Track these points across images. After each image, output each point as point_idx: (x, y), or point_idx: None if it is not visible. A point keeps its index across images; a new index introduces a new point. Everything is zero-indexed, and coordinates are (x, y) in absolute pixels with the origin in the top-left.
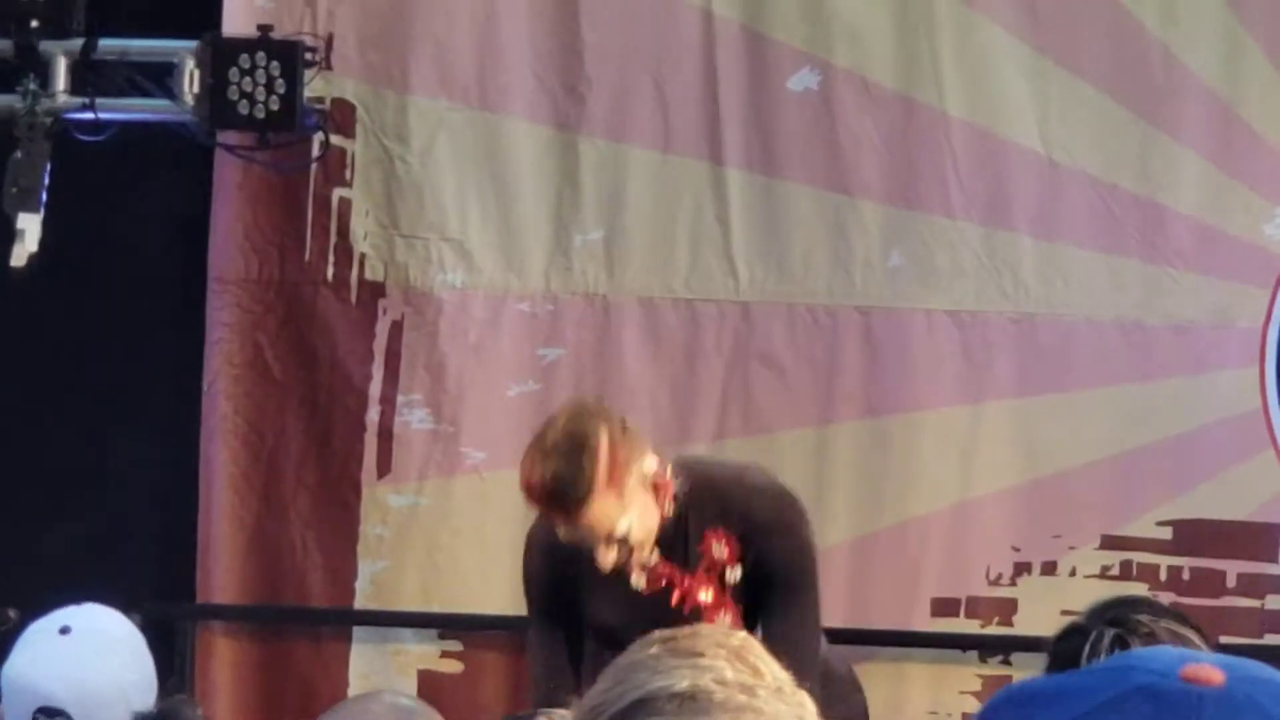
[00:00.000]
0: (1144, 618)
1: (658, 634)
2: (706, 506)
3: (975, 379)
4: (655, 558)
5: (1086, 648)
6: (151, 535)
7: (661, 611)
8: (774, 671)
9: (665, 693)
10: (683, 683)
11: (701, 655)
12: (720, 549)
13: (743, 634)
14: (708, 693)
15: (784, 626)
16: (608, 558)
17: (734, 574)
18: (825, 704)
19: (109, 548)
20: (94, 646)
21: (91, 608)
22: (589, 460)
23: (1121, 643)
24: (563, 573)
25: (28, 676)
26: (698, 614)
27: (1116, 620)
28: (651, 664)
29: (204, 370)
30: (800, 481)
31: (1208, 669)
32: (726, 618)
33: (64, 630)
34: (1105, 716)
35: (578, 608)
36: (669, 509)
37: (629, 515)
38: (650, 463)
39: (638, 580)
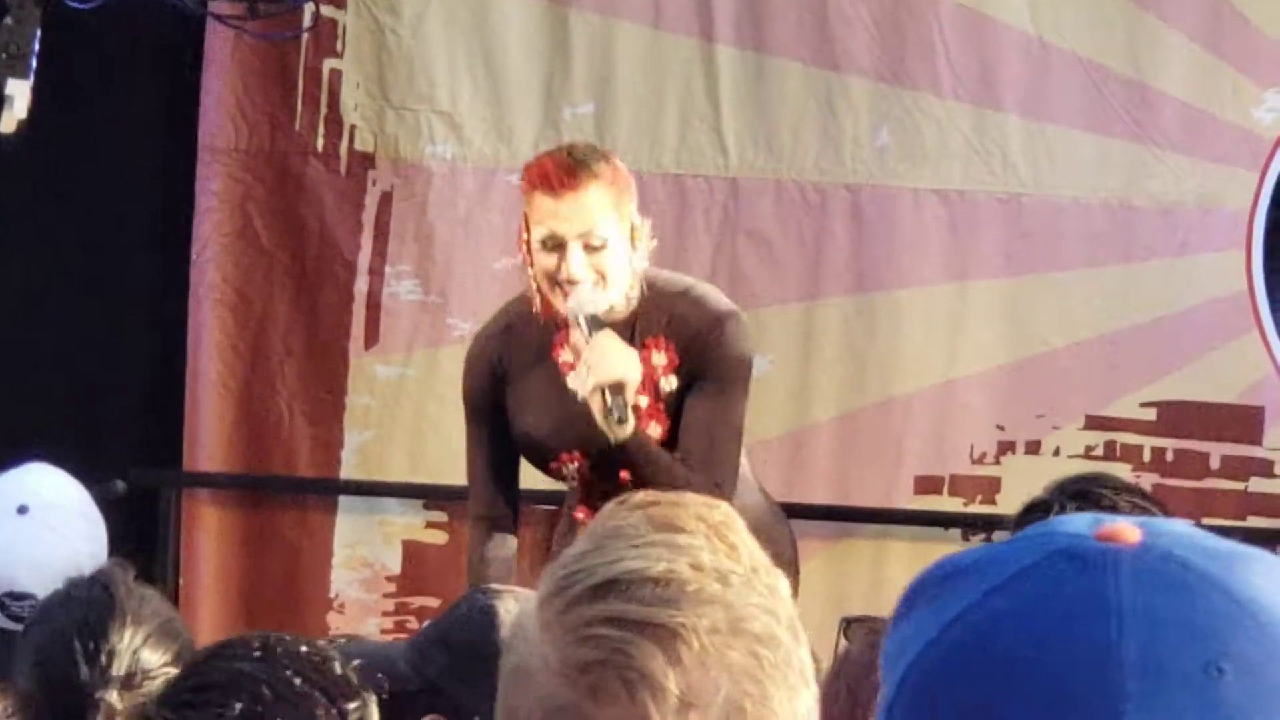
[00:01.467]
0: (1106, 491)
1: (640, 496)
2: (653, 316)
3: (961, 258)
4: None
5: (1053, 513)
6: (138, 402)
7: (592, 420)
8: (751, 552)
9: (639, 575)
10: (659, 565)
11: (681, 530)
12: (659, 356)
13: (724, 507)
14: (681, 581)
15: (705, 415)
16: (571, 265)
17: (669, 383)
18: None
19: (96, 413)
20: (52, 524)
21: (38, 472)
22: (602, 154)
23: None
24: (500, 385)
25: None
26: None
27: (1078, 494)
28: (630, 533)
29: (192, 239)
30: (786, 357)
31: (1123, 527)
32: (658, 430)
33: (21, 510)
34: (1022, 582)
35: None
36: (624, 306)
37: (615, 231)
38: (643, 228)
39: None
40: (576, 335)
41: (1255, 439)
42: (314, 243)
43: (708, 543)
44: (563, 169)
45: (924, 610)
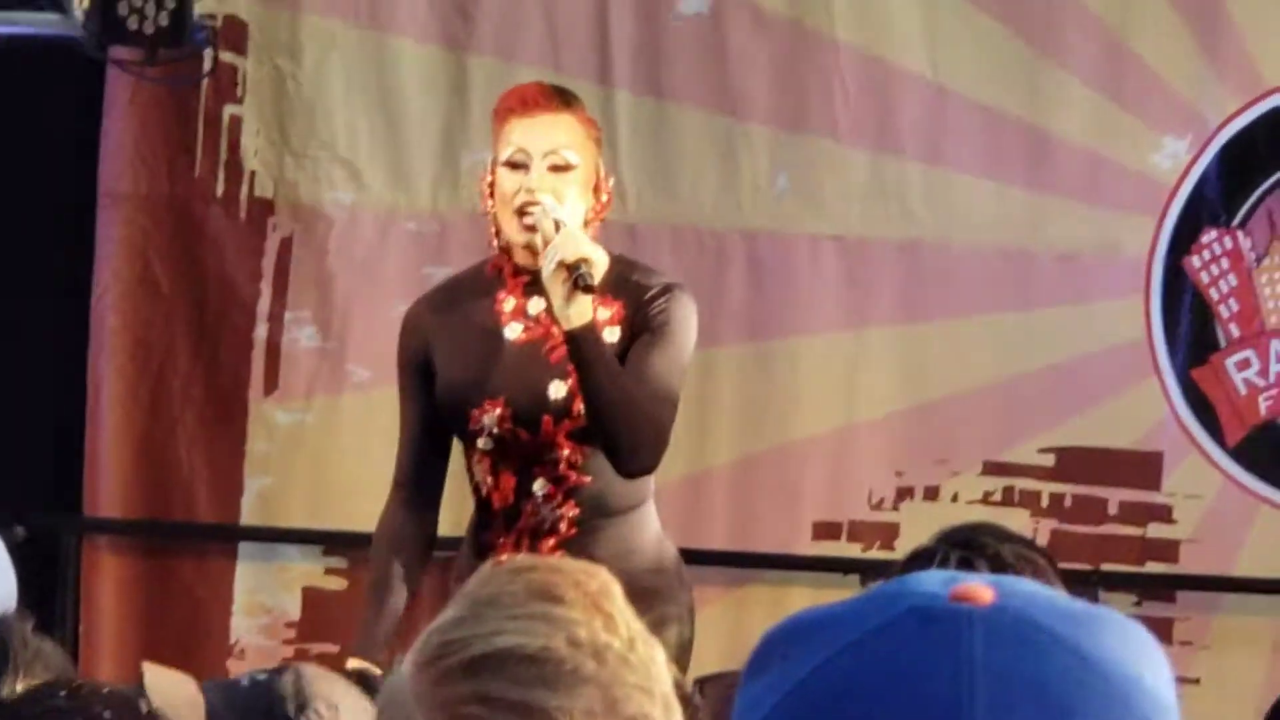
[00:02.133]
0: (990, 540)
1: (520, 560)
2: (604, 280)
3: (860, 304)
4: (542, 307)
5: (934, 569)
6: (39, 448)
7: (526, 365)
8: (628, 621)
9: (515, 653)
10: (535, 641)
11: (559, 600)
12: (604, 311)
13: (603, 575)
14: (558, 660)
15: (646, 354)
16: (532, 180)
17: (611, 334)
18: (654, 595)
19: None
20: None
21: None
22: (577, 97)
23: (967, 564)
24: (428, 346)
25: None
26: (563, 368)
27: (963, 543)
28: (507, 602)
29: (93, 284)
30: (684, 403)
31: (977, 587)
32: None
33: None
34: (874, 641)
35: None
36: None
37: (580, 164)
38: (605, 176)
39: (513, 331)
40: (539, 228)
41: (1153, 485)
42: (214, 288)
43: (585, 615)
44: (539, 92)
45: (776, 667)
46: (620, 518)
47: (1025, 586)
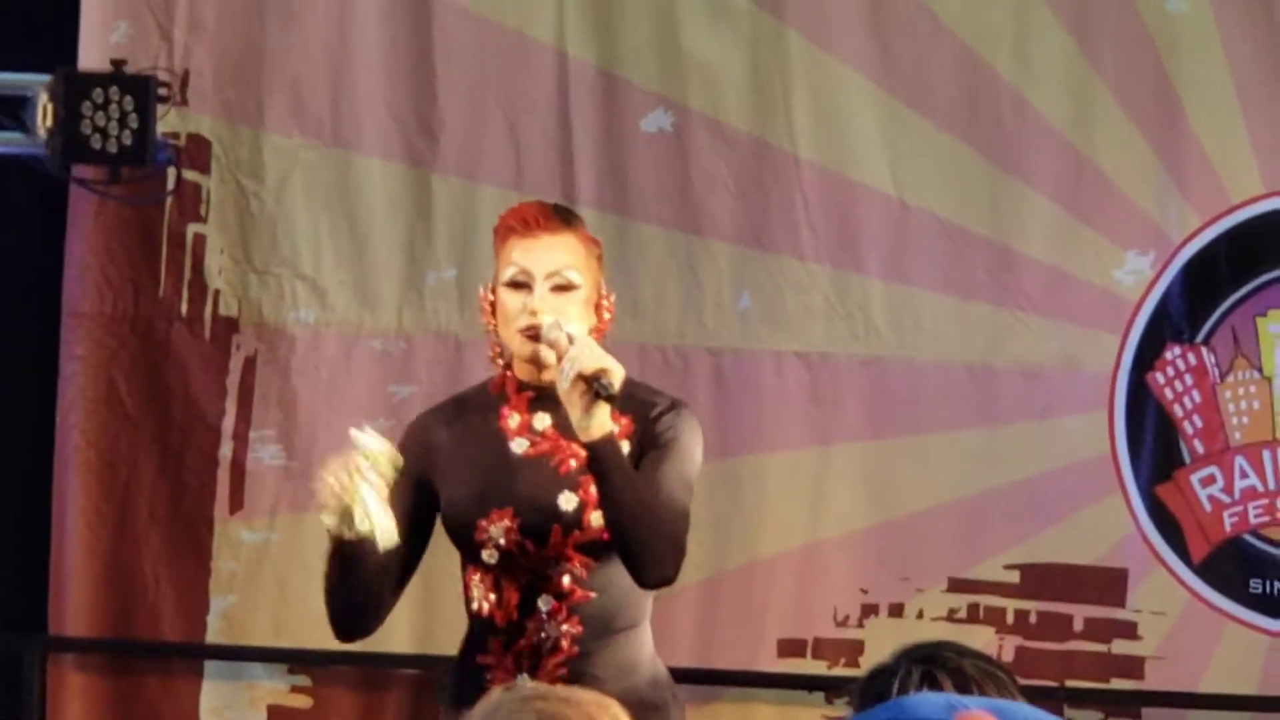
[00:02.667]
0: (951, 654)
1: (530, 688)
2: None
3: (824, 421)
4: (547, 423)
5: (895, 684)
6: (3, 565)
7: (535, 478)
8: None
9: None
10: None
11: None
12: (614, 425)
13: (614, 708)
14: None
15: (657, 465)
16: (536, 301)
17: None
18: (655, 710)
19: None
20: None
21: None
22: (577, 215)
23: (930, 679)
24: (430, 456)
25: None
26: (573, 480)
27: (925, 658)
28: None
29: (58, 403)
30: None
31: (979, 714)
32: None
33: None
34: None
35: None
36: None
37: (586, 281)
38: (607, 294)
39: (519, 445)
40: (551, 343)
41: (1119, 601)
42: (179, 407)
43: None
44: (539, 212)
45: None
46: (622, 635)
47: (1024, 712)
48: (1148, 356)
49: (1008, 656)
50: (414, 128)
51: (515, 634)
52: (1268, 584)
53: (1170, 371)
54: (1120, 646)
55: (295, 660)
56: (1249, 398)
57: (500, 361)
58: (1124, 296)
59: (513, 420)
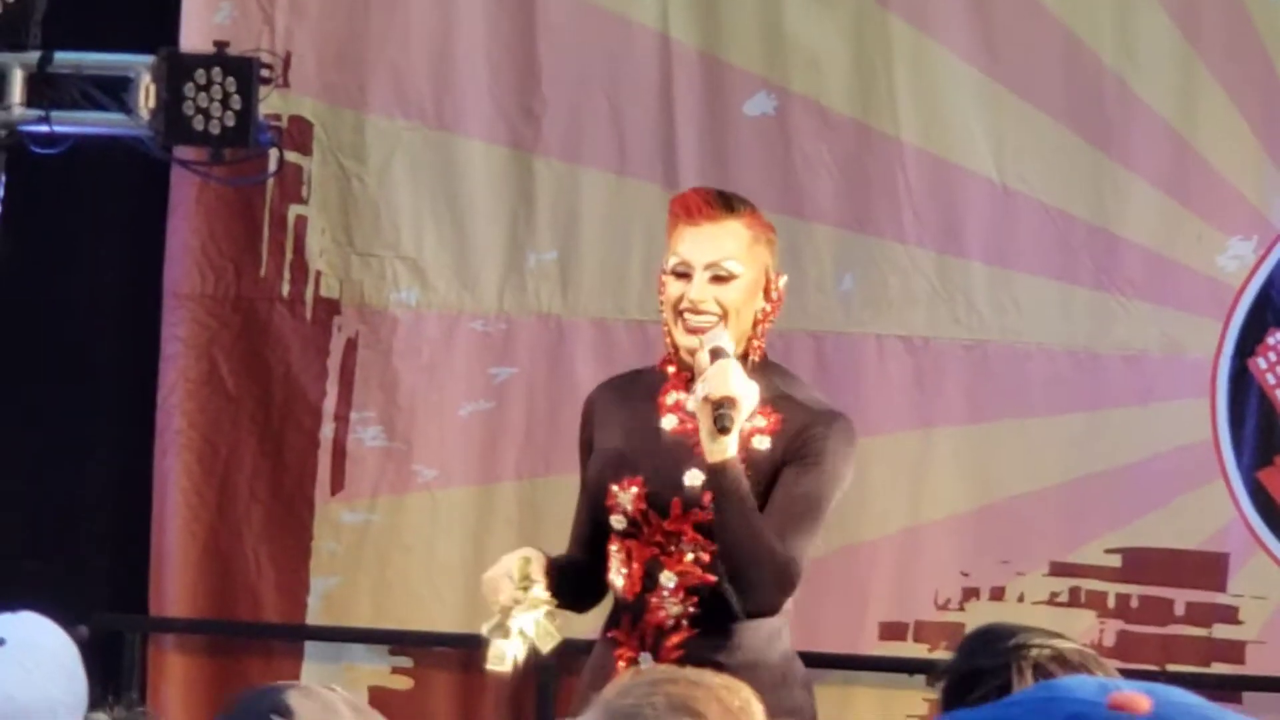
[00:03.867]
0: (1038, 642)
1: (663, 672)
2: (766, 384)
3: (926, 405)
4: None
5: (1014, 675)
6: (105, 547)
7: (670, 450)
8: None
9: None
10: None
11: (700, 715)
12: (761, 420)
13: (745, 692)
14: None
15: (792, 488)
16: (694, 290)
17: (761, 442)
18: (779, 704)
19: (62, 558)
20: (27, 661)
21: (27, 617)
22: (748, 202)
23: (1040, 669)
24: (592, 422)
25: None
26: (703, 460)
27: (1016, 648)
28: (648, 716)
29: (159, 384)
30: None
31: (1135, 696)
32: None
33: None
34: None
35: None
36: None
37: (744, 271)
38: (778, 281)
39: (669, 422)
40: (702, 359)
41: (1219, 586)
42: (279, 388)
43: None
44: (704, 200)
45: None
46: (748, 625)
47: (1178, 697)
48: (1250, 342)
49: (1109, 641)
50: (516, 110)
51: (640, 609)
52: None
53: (1272, 357)
54: (1221, 631)
55: (396, 641)
56: None
57: (669, 340)
58: (1226, 282)
59: (669, 398)
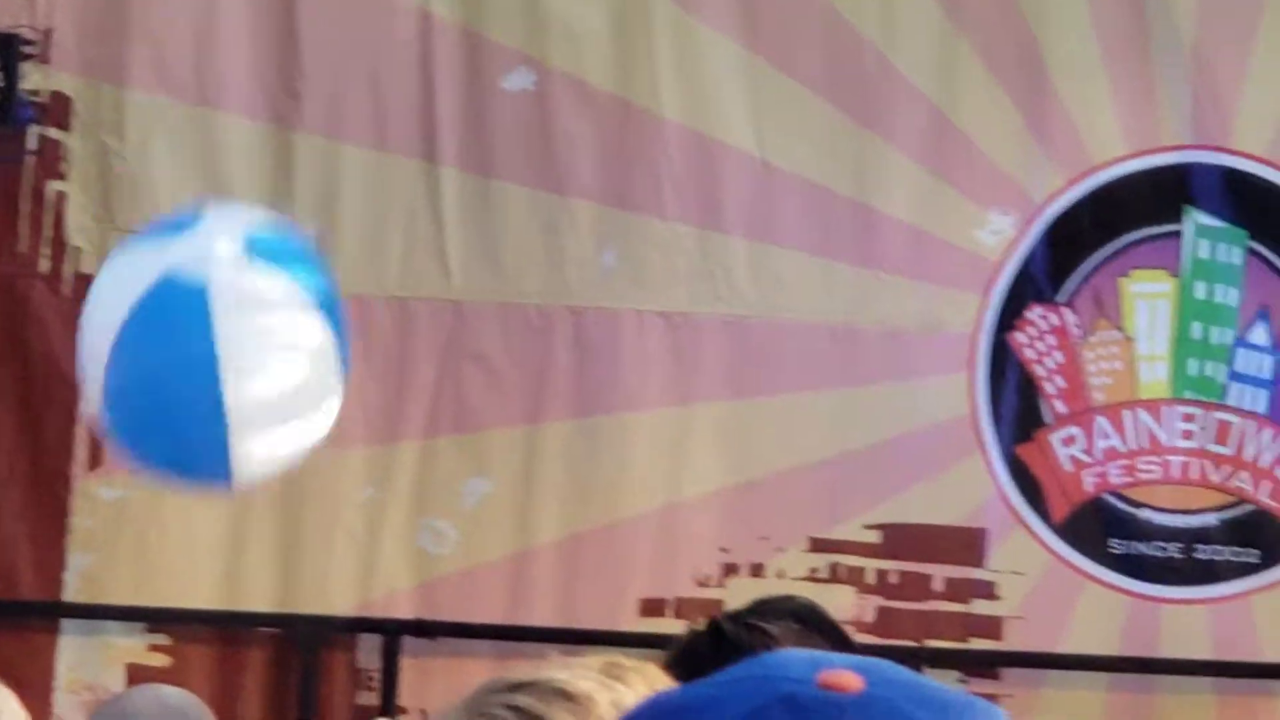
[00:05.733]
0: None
1: (615, 657)
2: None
3: (686, 380)
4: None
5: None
6: None
7: None
8: None
9: (558, 687)
10: (581, 684)
11: (624, 683)
12: None
13: (666, 681)
14: (593, 703)
15: None
16: None
17: None
18: None
19: None
20: None
21: None
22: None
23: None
24: None
25: None
26: None
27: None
28: (575, 665)
29: None
30: (510, 481)
31: (845, 675)
32: None
33: None
34: None
35: None
36: None
37: None
38: None
39: None
40: None
41: (977, 561)
42: (38, 365)
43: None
44: None
45: None
46: None
47: (892, 673)
48: (1009, 317)
49: (868, 617)
50: (277, 86)
51: None
52: (1127, 544)
53: (1032, 332)
54: (980, 606)
55: (154, 619)
56: (1111, 358)
57: None
58: (986, 257)
59: None
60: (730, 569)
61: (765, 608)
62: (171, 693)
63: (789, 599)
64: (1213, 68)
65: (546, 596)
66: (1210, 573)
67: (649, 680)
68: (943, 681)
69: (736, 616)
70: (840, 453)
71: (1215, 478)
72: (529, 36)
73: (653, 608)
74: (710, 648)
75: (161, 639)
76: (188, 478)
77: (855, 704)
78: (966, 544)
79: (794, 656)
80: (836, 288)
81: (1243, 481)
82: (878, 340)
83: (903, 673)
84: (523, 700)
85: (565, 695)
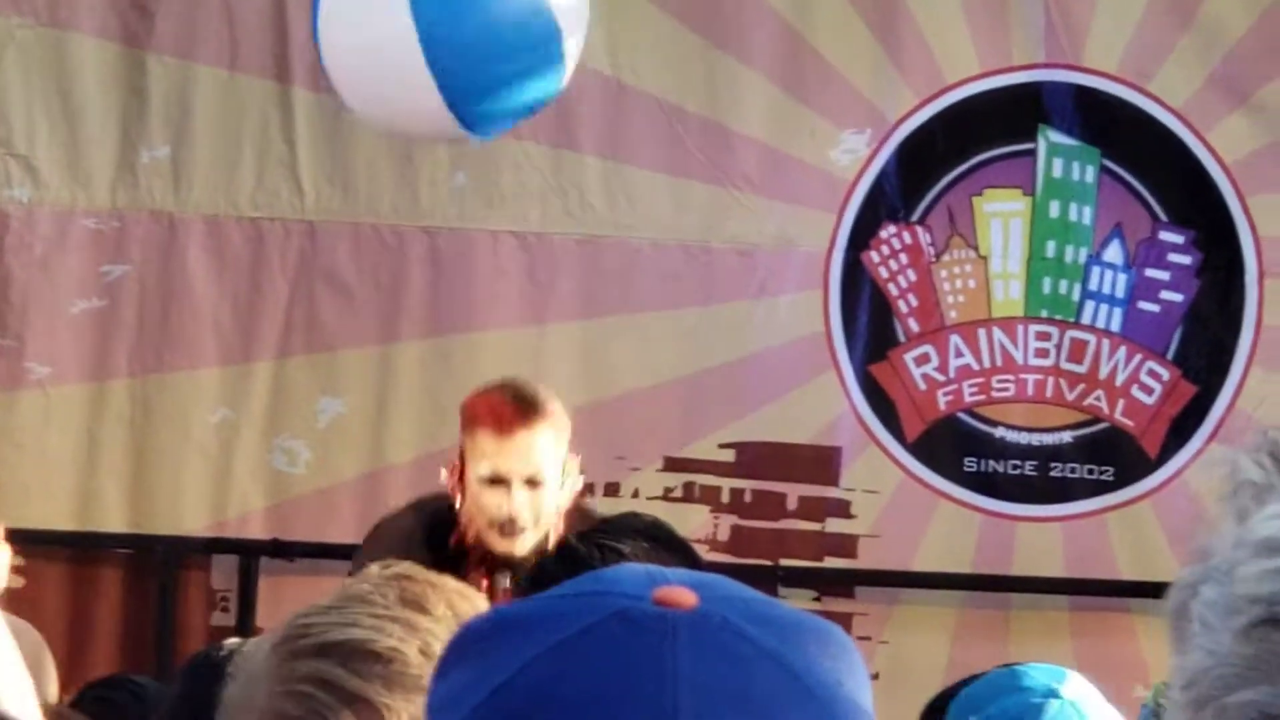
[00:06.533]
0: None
1: (404, 567)
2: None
3: (540, 300)
4: (505, 584)
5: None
6: None
7: None
8: None
9: (365, 646)
10: (387, 640)
11: (426, 613)
12: None
13: (479, 600)
14: (404, 662)
15: None
16: (515, 504)
17: None
18: None
19: None
20: None
21: None
22: (546, 394)
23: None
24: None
25: None
26: None
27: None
28: (376, 602)
29: None
30: (363, 400)
31: (679, 591)
32: None
33: None
34: (579, 645)
35: None
36: (542, 542)
37: (554, 473)
38: (573, 466)
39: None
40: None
41: (832, 480)
42: None
43: (447, 632)
44: (514, 412)
45: (471, 666)
46: None
47: (727, 589)
48: (863, 235)
49: (723, 536)
50: (128, 6)
51: None
52: (981, 462)
53: (885, 250)
54: (834, 525)
55: (10, 540)
56: (964, 277)
57: (469, 527)
58: (839, 176)
59: (479, 586)
60: (586, 488)
61: (613, 526)
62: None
63: (635, 516)
64: None
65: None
66: (1065, 491)
67: (447, 597)
68: (797, 601)
69: (586, 535)
70: (695, 371)
71: (1070, 396)
72: None
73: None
74: (561, 567)
75: (15, 560)
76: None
77: (688, 620)
78: (820, 462)
79: (630, 572)
80: (690, 207)
81: (1097, 400)
82: (732, 259)
83: (740, 589)
84: (328, 671)
85: (373, 656)
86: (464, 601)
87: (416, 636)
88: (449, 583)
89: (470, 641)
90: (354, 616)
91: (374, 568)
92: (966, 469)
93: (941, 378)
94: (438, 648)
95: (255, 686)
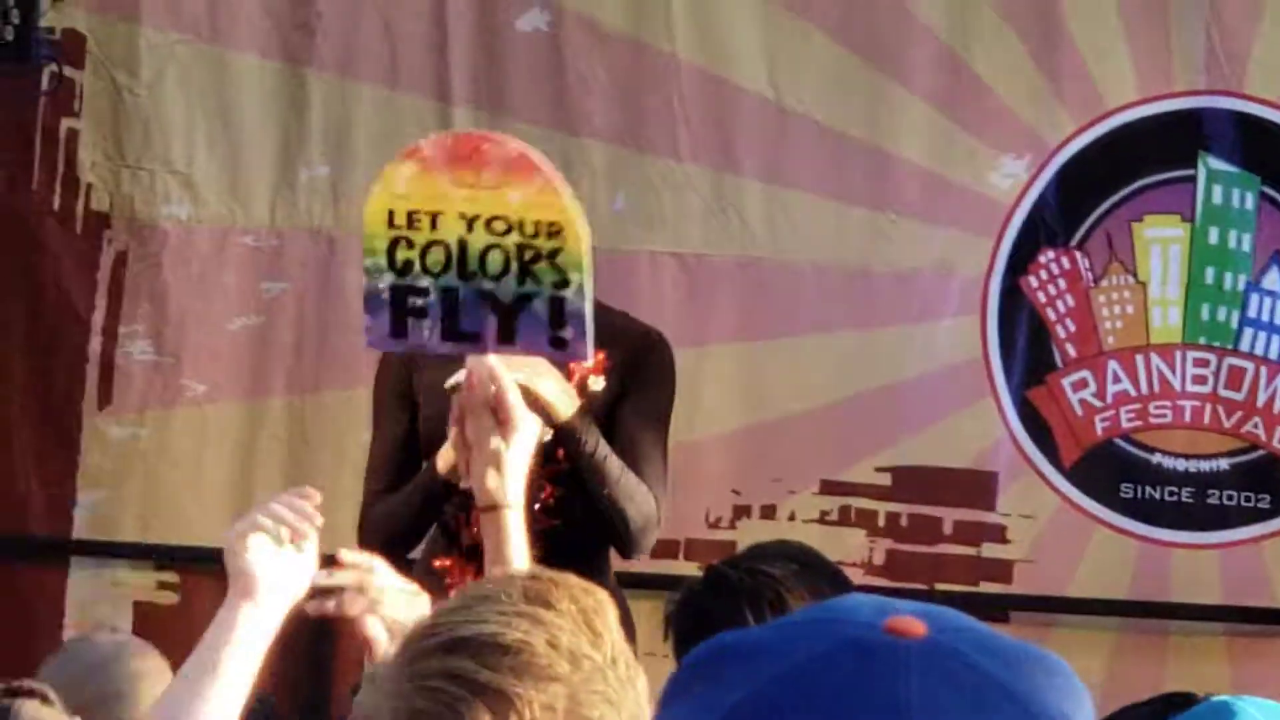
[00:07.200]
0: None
1: (526, 569)
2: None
3: (698, 322)
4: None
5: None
6: None
7: None
8: (615, 642)
9: (492, 639)
10: (514, 634)
11: (551, 607)
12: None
13: (601, 595)
14: (532, 653)
15: (640, 429)
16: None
17: (597, 382)
18: None
19: None
20: None
21: None
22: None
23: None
24: (412, 375)
25: None
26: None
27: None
28: (500, 600)
29: None
30: None
31: (910, 620)
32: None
33: None
34: (812, 671)
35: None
36: None
37: None
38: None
39: None
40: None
41: (988, 505)
42: (49, 301)
43: (573, 625)
44: None
45: (702, 691)
46: (591, 563)
47: (954, 620)
48: (1021, 260)
49: (878, 559)
50: (290, 24)
51: (476, 553)
52: (1138, 489)
53: (1044, 275)
54: (990, 550)
55: (163, 556)
56: (1123, 302)
57: None
58: (999, 200)
59: None
60: (742, 511)
61: (761, 552)
62: (120, 635)
63: (782, 544)
64: (1227, 12)
65: None
66: (1221, 518)
67: (570, 593)
68: None
69: (736, 563)
70: (852, 395)
71: (1227, 423)
72: None
73: (664, 549)
74: (711, 594)
75: (170, 576)
76: None
77: (920, 649)
78: (977, 487)
79: (861, 601)
80: (850, 231)
81: (1254, 427)
82: (890, 283)
83: (967, 620)
84: (458, 665)
85: (501, 648)
86: (587, 596)
87: (543, 629)
88: (571, 579)
89: (699, 667)
90: (480, 613)
91: (496, 571)
92: (1123, 495)
93: (1099, 403)
94: (564, 640)
95: (384, 690)
